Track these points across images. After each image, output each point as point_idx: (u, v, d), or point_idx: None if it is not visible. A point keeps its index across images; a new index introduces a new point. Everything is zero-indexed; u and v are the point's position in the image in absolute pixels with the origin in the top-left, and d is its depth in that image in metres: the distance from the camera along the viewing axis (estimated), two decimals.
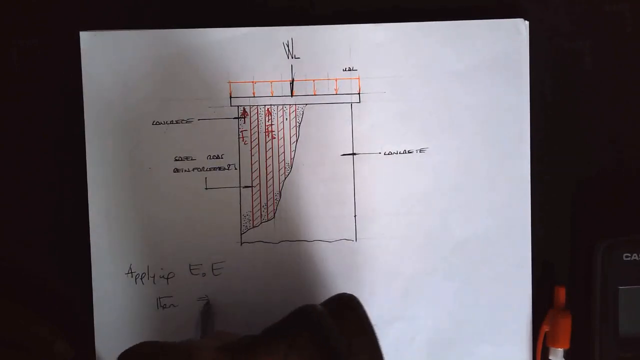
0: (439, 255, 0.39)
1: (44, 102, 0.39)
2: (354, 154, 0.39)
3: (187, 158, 0.39)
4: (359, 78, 0.39)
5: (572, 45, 0.40)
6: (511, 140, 0.39)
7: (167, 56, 0.39)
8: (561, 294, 0.39)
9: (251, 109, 0.39)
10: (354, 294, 0.39)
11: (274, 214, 0.39)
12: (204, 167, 0.39)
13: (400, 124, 0.39)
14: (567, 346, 0.39)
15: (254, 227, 0.39)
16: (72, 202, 0.39)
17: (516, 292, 0.39)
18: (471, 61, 0.39)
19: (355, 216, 0.39)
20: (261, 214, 0.39)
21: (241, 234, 0.39)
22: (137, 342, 0.38)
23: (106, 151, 0.39)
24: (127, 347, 0.38)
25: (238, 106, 0.39)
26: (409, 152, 0.39)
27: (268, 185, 0.39)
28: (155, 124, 0.39)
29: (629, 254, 0.38)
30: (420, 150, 0.39)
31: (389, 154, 0.39)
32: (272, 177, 0.39)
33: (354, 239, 0.39)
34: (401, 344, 0.39)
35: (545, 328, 0.39)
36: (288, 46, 0.39)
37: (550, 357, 0.39)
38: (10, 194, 0.39)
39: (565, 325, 0.38)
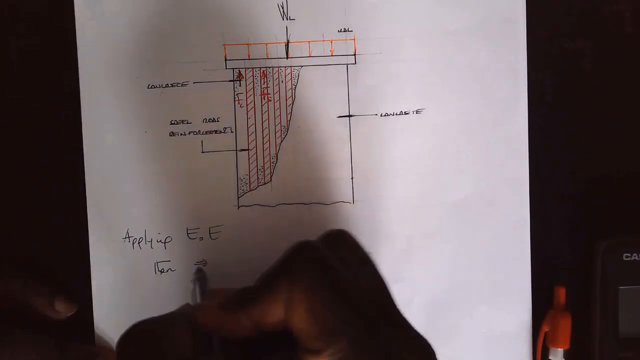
0: (436, 216, 0.39)
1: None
2: (350, 115, 0.39)
3: (182, 121, 0.39)
4: (354, 39, 0.39)
5: (572, 45, 0.40)
6: (508, 100, 0.39)
7: (161, 19, 0.38)
8: (561, 294, 0.39)
9: (246, 72, 0.39)
10: None
11: (271, 177, 0.39)
12: (199, 131, 0.39)
13: (396, 85, 0.39)
14: (567, 346, 0.39)
15: (250, 190, 0.39)
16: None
17: (514, 260, 0.39)
18: (467, 20, 0.39)
19: (352, 178, 0.39)
20: (258, 177, 0.39)
21: (238, 198, 0.39)
22: (136, 308, 0.39)
23: (101, 116, 0.38)
24: (125, 313, 0.39)
25: (233, 69, 0.39)
26: (406, 113, 0.39)
27: (264, 148, 0.39)
28: (151, 88, 0.39)
29: (629, 254, 0.38)
30: (417, 112, 0.39)
31: (385, 115, 0.39)
32: (269, 140, 0.39)
33: (351, 201, 0.39)
34: (400, 306, 0.39)
35: (545, 328, 0.39)
36: (283, 7, 0.39)
37: (550, 357, 0.39)
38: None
39: (565, 325, 0.38)
